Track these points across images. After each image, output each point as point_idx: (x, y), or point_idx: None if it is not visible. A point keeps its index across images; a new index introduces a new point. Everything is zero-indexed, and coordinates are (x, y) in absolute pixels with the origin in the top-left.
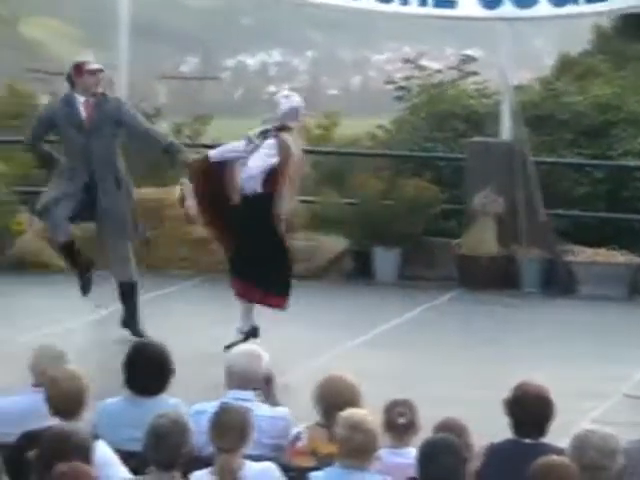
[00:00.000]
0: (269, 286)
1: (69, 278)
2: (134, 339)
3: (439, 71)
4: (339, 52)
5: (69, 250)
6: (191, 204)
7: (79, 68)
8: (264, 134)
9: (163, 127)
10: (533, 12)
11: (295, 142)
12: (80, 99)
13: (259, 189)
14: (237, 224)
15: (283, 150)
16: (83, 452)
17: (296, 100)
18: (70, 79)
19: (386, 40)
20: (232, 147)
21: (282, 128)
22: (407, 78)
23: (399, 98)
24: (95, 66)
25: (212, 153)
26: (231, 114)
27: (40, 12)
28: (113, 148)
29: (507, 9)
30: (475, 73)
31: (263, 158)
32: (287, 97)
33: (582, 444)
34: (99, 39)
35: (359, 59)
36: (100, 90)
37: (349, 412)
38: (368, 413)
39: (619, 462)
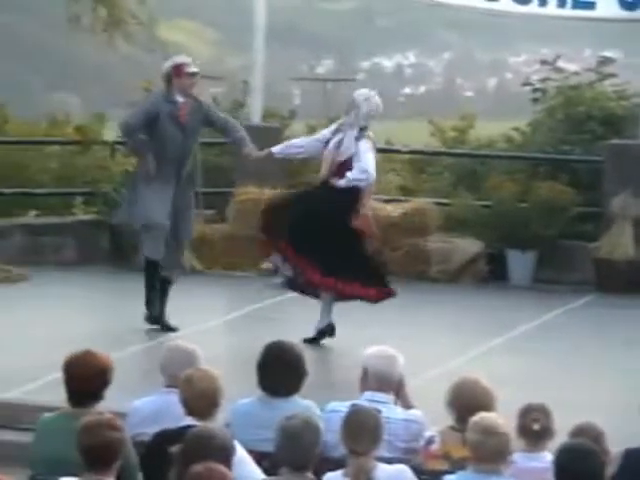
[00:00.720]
0: (366, 279)
1: (201, 278)
2: (268, 341)
3: (576, 73)
4: (475, 54)
5: (155, 268)
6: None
7: (179, 69)
8: (337, 131)
9: (297, 128)
10: None
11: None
12: (179, 99)
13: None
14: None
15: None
16: (225, 453)
17: (376, 101)
18: (169, 78)
19: (523, 41)
20: (297, 143)
21: (364, 128)
22: (544, 80)
23: (535, 100)
24: (194, 69)
25: (276, 149)
26: None
27: (178, 15)
28: (195, 150)
29: None
30: (613, 75)
31: (371, 158)
32: (367, 99)
33: None
34: (236, 42)
35: (495, 61)
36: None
37: (480, 416)
38: (499, 416)
39: None
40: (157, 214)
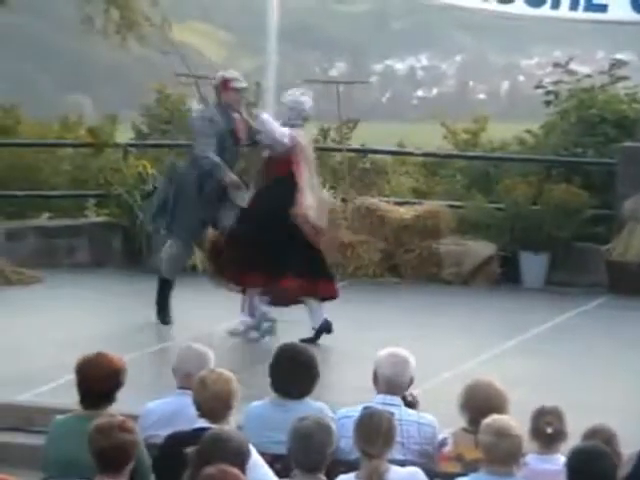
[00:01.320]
0: (316, 274)
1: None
2: (281, 343)
3: (589, 76)
4: (488, 56)
5: (170, 288)
6: None
7: (226, 84)
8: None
9: (309, 130)
10: None
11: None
12: (234, 115)
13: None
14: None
15: (295, 140)
16: (240, 457)
17: (306, 100)
18: (218, 91)
19: (536, 44)
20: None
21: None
22: (556, 83)
23: (548, 103)
24: (241, 84)
25: None
26: (378, 118)
27: (192, 17)
28: None
29: None
30: (626, 78)
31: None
32: (297, 101)
33: None
34: (248, 44)
35: (508, 63)
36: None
37: (492, 418)
38: (511, 418)
39: None
40: (195, 236)
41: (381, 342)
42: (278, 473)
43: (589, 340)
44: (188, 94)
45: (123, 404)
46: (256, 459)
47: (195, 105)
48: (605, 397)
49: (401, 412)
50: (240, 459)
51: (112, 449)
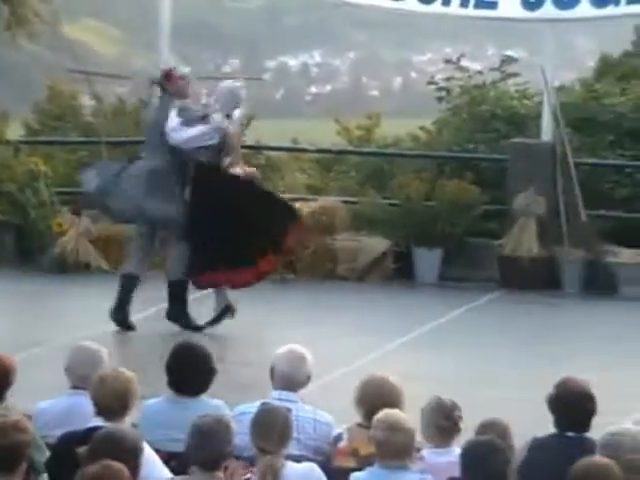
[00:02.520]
0: (234, 262)
1: (108, 278)
2: (178, 338)
3: (480, 72)
4: (381, 53)
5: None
6: None
7: (169, 75)
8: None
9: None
10: (574, 13)
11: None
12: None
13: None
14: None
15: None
16: (134, 454)
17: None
18: (162, 86)
19: (428, 41)
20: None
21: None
22: (448, 79)
23: (440, 99)
24: (185, 70)
25: None
26: (272, 115)
27: (83, 14)
28: None
29: (548, 10)
30: (516, 74)
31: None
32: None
33: (620, 444)
34: (141, 41)
35: (401, 60)
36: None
37: (384, 413)
38: (402, 412)
39: None
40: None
41: (277, 339)
42: (173, 470)
43: (482, 335)
44: (80, 90)
45: (16, 403)
46: (151, 456)
47: (87, 101)
48: (498, 390)
49: (297, 408)
50: (133, 456)
51: (5, 449)
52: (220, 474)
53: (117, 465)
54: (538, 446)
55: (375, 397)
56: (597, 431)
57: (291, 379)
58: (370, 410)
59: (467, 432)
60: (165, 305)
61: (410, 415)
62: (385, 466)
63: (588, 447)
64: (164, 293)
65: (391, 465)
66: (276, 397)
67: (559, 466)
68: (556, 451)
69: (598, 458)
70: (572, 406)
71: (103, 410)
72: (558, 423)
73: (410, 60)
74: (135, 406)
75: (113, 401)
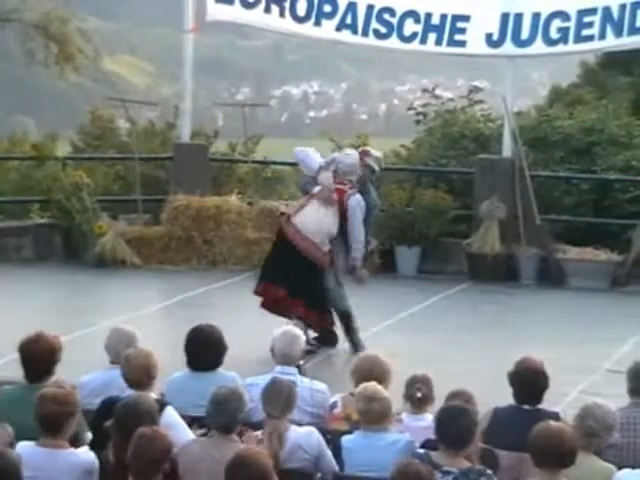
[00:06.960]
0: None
1: (141, 272)
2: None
3: (452, 99)
4: (369, 83)
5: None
6: None
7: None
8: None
9: (220, 146)
10: (530, 50)
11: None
12: None
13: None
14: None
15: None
16: (150, 415)
17: (354, 157)
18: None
19: (408, 73)
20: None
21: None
22: (425, 105)
23: (418, 122)
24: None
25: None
26: (278, 135)
27: (119, 51)
28: None
29: (508, 48)
30: (482, 101)
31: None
32: (347, 155)
33: (585, 413)
34: (167, 73)
35: (385, 89)
36: None
37: (363, 386)
38: (379, 385)
39: (614, 436)
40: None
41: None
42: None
43: (454, 318)
44: (117, 115)
45: (63, 377)
46: (176, 420)
47: (122, 123)
48: (466, 365)
49: (296, 380)
50: (151, 417)
51: (55, 414)
52: (235, 436)
53: (162, 431)
54: (498, 415)
55: (367, 371)
56: (548, 398)
57: (288, 355)
58: (361, 381)
59: (440, 400)
60: (186, 295)
61: (393, 386)
62: (369, 429)
63: (541, 416)
64: (184, 284)
65: (374, 428)
66: (279, 371)
67: (516, 433)
68: (515, 419)
69: (553, 422)
70: (528, 382)
71: (132, 382)
72: (517, 396)
73: (393, 89)
74: (158, 376)
75: (139, 374)
